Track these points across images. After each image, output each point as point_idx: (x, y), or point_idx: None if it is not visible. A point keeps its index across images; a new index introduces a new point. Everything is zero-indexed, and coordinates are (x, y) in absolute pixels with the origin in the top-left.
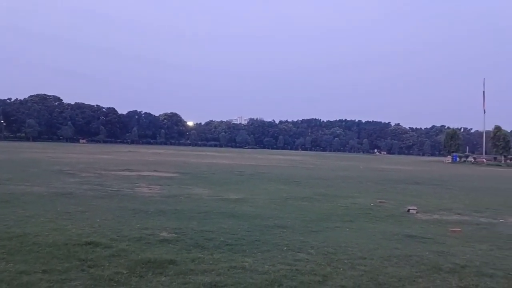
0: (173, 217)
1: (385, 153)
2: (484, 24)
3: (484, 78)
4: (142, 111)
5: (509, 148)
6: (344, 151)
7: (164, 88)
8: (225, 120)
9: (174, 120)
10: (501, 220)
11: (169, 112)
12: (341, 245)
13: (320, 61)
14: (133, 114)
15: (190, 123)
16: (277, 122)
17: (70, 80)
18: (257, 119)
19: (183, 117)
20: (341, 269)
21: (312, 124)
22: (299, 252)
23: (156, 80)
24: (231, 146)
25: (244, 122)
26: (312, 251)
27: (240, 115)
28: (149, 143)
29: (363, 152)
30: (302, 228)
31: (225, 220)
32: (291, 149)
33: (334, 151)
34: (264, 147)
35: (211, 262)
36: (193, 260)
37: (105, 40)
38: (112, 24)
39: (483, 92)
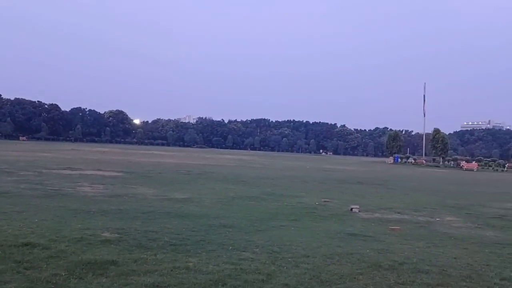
0: (116, 217)
1: (331, 153)
2: (425, 31)
3: (425, 83)
4: (86, 108)
5: (447, 150)
6: (292, 151)
7: (110, 85)
8: (173, 119)
9: (119, 117)
10: (437, 219)
11: (114, 109)
12: (286, 244)
13: (268, 63)
14: (76, 111)
15: (136, 121)
16: (226, 121)
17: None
18: (206, 118)
19: (129, 115)
20: (285, 267)
21: (261, 124)
22: (244, 251)
23: (101, 77)
24: (179, 145)
25: (192, 121)
26: (257, 250)
27: (188, 114)
28: (93, 141)
29: (310, 153)
30: (248, 228)
31: (170, 220)
32: (240, 148)
33: (282, 151)
34: (213, 147)
35: (154, 262)
36: (135, 261)
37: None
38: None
39: (424, 96)
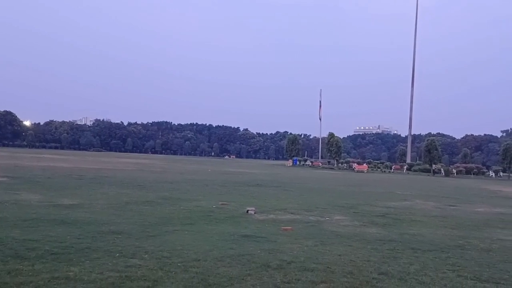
0: None
1: (234, 156)
2: (323, 39)
3: (321, 89)
4: None
5: (341, 153)
6: (195, 154)
7: None
8: (68, 121)
9: (7, 119)
10: (327, 218)
11: (2, 110)
12: (177, 249)
13: (171, 64)
14: None
15: (27, 123)
16: (125, 123)
17: None
18: (104, 120)
19: (18, 116)
20: (173, 272)
21: (162, 127)
22: (132, 258)
23: None
24: (74, 149)
25: (89, 123)
26: (146, 256)
27: (85, 115)
28: None
29: (214, 156)
30: (139, 233)
31: (54, 227)
32: (140, 152)
33: (185, 154)
34: (111, 150)
35: (30, 273)
36: (9, 272)
37: None
38: None
39: (320, 101)
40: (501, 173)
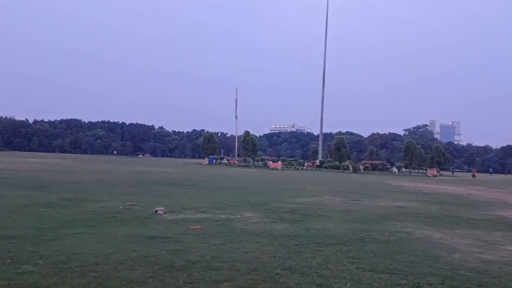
0: None
1: (149, 155)
2: (239, 40)
3: (237, 88)
4: None
5: (256, 151)
6: (107, 153)
7: None
8: None
9: None
10: (237, 216)
11: None
12: (76, 252)
13: (80, 59)
14: None
15: None
16: (31, 121)
17: None
18: (6, 117)
19: None
20: (69, 278)
21: (71, 125)
22: (24, 264)
23: None
24: None
25: None
26: (41, 261)
27: None
28: None
29: (127, 155)
30: (36, 237)
31: None
32: (47, 151)
33: (96, 153)
34: (14, 149)
35: None
36: None
37: None
38: None
39: (236, 100)
40: (403, 169)
